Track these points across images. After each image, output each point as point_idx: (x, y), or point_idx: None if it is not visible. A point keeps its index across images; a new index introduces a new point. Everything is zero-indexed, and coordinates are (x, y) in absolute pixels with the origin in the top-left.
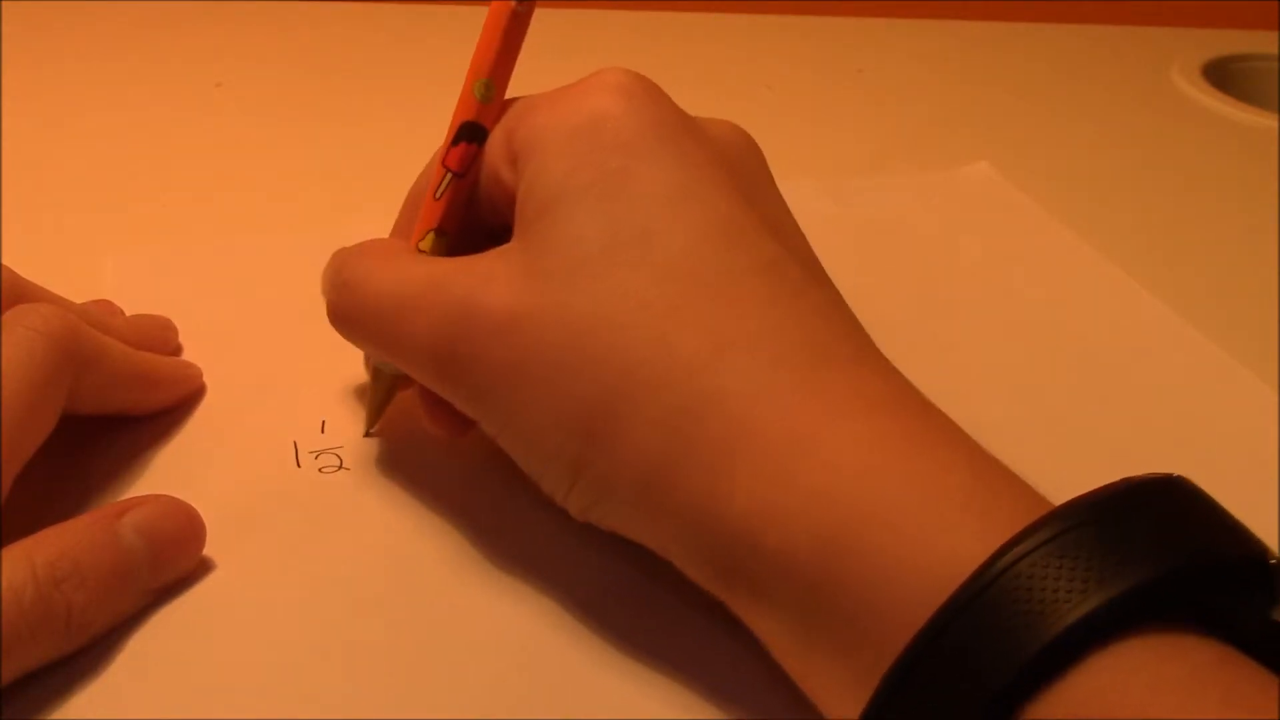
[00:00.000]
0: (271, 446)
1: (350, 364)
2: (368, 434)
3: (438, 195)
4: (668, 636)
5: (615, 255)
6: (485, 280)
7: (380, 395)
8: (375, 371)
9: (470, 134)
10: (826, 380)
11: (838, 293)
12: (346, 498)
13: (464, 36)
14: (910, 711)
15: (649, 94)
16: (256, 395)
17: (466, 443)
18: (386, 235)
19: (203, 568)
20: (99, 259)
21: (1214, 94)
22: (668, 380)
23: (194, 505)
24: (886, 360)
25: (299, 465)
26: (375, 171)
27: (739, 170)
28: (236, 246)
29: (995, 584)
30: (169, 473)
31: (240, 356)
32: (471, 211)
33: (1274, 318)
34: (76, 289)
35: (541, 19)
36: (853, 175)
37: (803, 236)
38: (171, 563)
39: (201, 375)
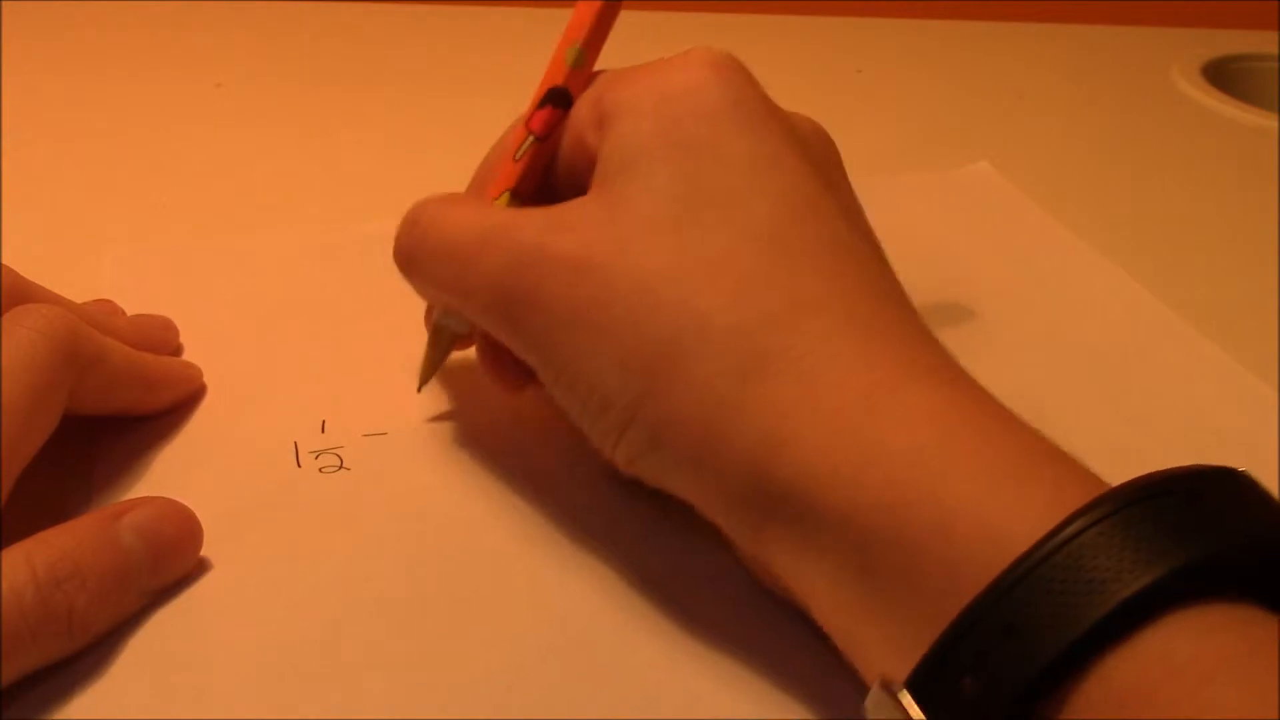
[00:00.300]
0: (271, 446)
1: (350, 364)
2: (420, 390)
3: (517, 157)
4: (664, 642)
5: (695, 214)
6: (559, 225)
7: (438, 353)
8: (436, 328)
9: (556, 98)
10: (897, 350)
11: (899, 281)
12: (346, 498)
13: (465, 37)
14: (963, 672)
15: (739, 72)
16: (256, 395)
17: (469, 443)
18: (390, 234)
19: (203, 568)
20: (99, 259)
21: (1214, 94)
22: (742, 329)
23: (195, 505)
24: (943, 346)
25: (299, 465)
26: (375, 171)
27: (817, 158)
28: (236, 246)
29: (1059, 552)
30: (169, 473)
31: (240, 356)
32: (549, 180)
33: (1274, 318)
34: (76, 289)
35: (542, 19)
36: (853, 175)
37: (870, 228)
38: (170, 564)
39: (202, 375)
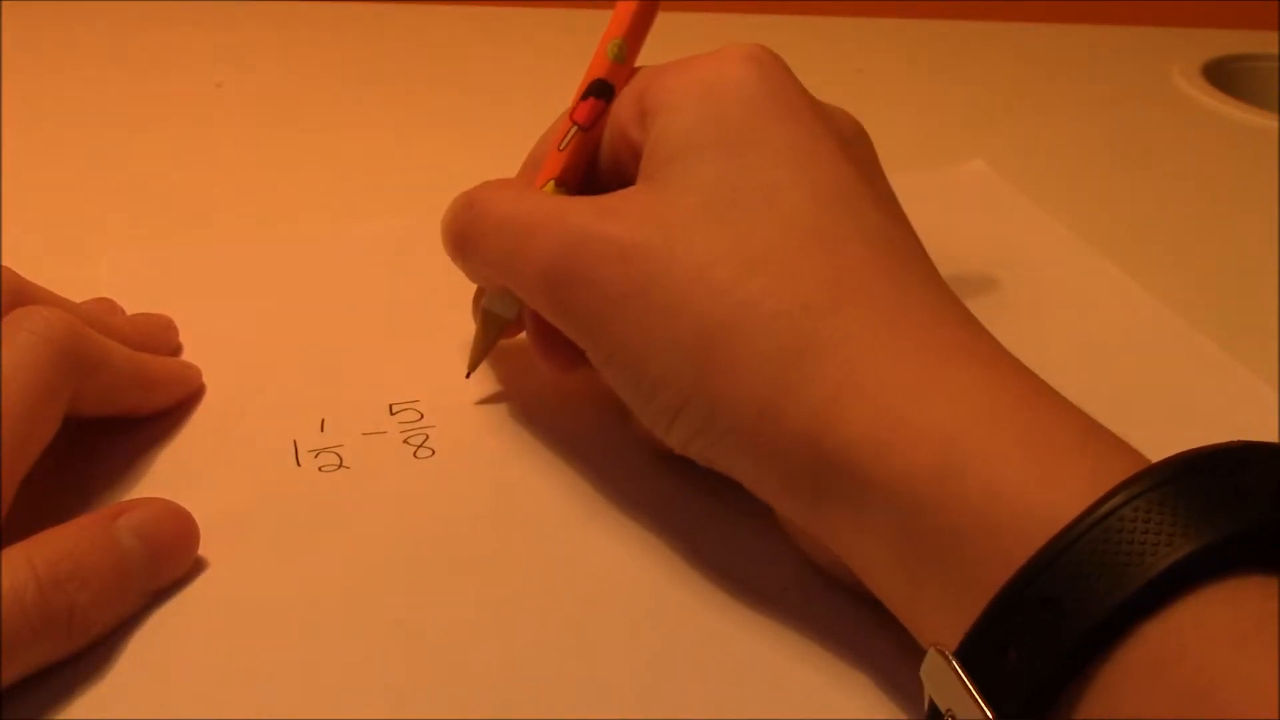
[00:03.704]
0: (271, 446)
1: (350, 364)
2: (468, 376)
3: (561, 147)
4: (660, 644)
5: (740, 202)
6: (609, 212)
7: (487, 339)
8: (485, 314)
9: (599, 90)
10: (940, 335)
11: (936, 269)
12: (346, 497)
13: (465, 37)
14: (1012, 637)
15: (778, 66)
16: (256, 395)
17: (469, 441)
18: (391, 233)
19: (202, 567)
20: (99, 259)
21: (1214, 94)
22: (788, 314)
23: (194, 505)
24: (987, 330)
25: (299, 465)
26: (375, 171)
27: (854, 150)
28: (235, 246)
29: (1098, 527)
30: (169, 473)
31: (240, 356)
32: (593, 172)
33: (1274, 318)
34: (76, 289)
35: (541, 19)
36: None
37: (905, 217)
38: (167, 565)
39: (201, 375)
